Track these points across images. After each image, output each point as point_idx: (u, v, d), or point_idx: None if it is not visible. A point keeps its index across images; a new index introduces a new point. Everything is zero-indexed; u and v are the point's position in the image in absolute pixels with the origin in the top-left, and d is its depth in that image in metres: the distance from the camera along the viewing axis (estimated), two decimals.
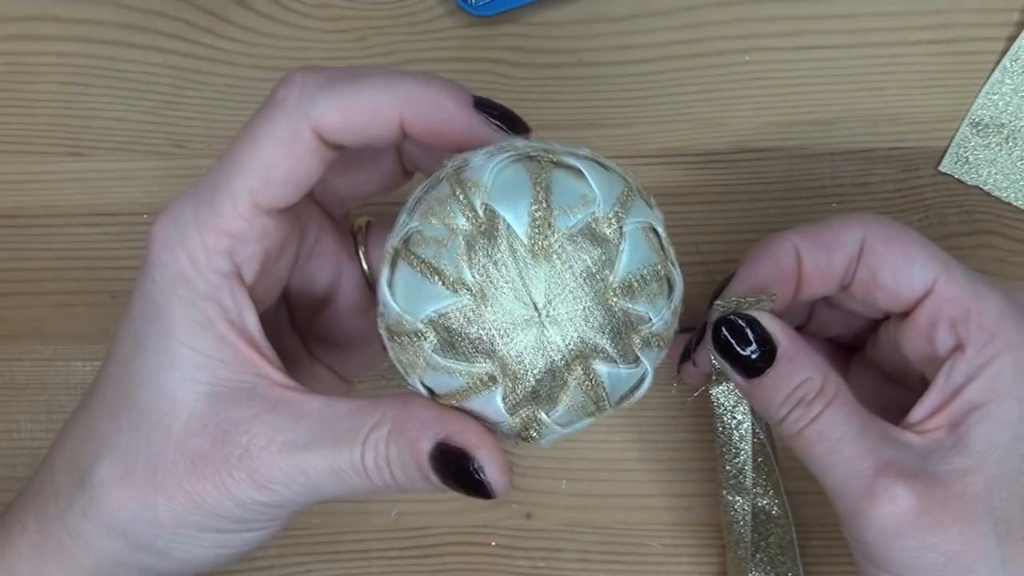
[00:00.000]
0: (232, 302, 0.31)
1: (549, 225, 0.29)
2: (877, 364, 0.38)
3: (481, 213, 0.29)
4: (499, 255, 0.29)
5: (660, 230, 0.31)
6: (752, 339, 0.33)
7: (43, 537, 0.31)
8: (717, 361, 0.34)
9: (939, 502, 0.31)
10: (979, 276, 0.34)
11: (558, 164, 0.30)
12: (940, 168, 0.43)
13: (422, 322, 0.29)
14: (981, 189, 0.43)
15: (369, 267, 0.37)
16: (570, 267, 0.29)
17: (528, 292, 0.29)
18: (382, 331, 0.31)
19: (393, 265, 0.30)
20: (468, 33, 0.45)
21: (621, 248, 0.29)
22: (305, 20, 0.45)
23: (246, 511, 0.30)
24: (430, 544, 0.44)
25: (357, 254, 0.37)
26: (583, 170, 0.30)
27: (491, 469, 0.29)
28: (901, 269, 0.34)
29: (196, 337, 0.30)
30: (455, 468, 0.29)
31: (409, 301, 0.30)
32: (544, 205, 0.29)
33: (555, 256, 0.29)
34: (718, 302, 0.34)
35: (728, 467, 0.37)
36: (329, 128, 0.30)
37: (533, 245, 0.29)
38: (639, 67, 0.44)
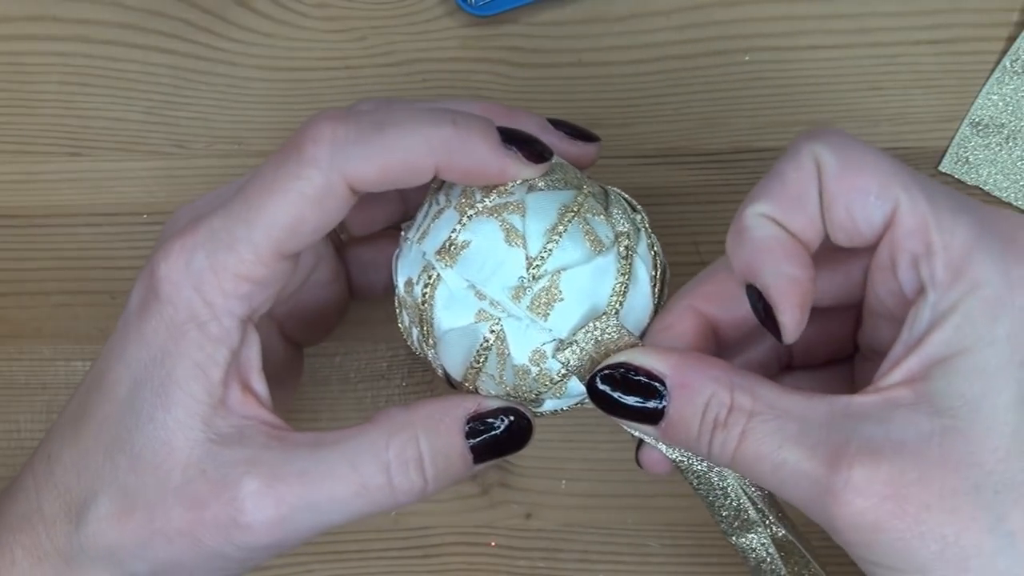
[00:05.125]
0: (240, 343, 0.31)
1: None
2: (871, 354, 0.35)
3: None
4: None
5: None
6: (633, 385, 0.30)
7: (38, 570, 0.31)
8: (623, 424, 0.31)
9: (915, 479, 0.26)
10: (949, 198, 0.29)
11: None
12: (940, 168, 0.43)
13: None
14: (981, 189, 0.43)
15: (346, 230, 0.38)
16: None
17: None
18: (411, 340, 0.33)
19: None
20: (468, 33, 0.45)
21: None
22: (305, 20, 0.45)
23: (247, 552, 0.30)
24: (430, 544, 0.44)
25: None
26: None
27: (526, 413, 0.32)
28: (856, 203, 0.29)
29: (193, 381, 0.30)
30: (494, 430, 0.31)
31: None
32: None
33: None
34: (569, 365, 0.31)
35: (725, 512, 0.33)
36: (363, 182, 0.30)
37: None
38: (639, 67, 0.44)
